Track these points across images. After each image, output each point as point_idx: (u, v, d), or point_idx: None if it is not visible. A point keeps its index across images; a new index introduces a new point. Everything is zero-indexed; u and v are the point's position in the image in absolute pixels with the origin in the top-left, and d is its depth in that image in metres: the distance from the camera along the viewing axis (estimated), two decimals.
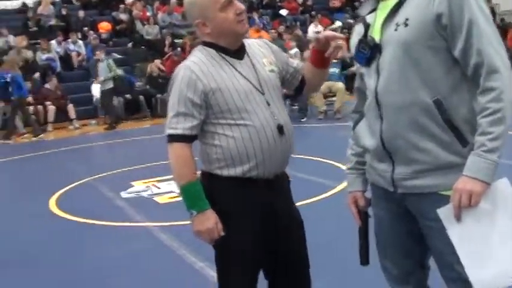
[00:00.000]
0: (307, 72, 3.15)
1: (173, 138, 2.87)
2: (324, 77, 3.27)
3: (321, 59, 3.05)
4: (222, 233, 2.87)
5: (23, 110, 15.17)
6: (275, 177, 2.97)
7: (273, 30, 19.81)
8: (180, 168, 2.88)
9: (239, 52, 2.97)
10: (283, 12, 23.16)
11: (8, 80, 14.93)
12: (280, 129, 2.91)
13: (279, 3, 23.94)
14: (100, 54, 16.42)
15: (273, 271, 3.09)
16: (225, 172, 2.88)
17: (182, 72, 2.87)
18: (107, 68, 15.93)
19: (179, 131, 2.85)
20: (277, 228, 2.97)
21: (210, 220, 2.84)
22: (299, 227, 3.10)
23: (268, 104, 2.92)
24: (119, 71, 16.33)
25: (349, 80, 14.73)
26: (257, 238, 2.94)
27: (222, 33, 2.90)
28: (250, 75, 2.93)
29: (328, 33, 3.01)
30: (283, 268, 3.06)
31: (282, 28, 20.15)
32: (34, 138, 14.96)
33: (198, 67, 2.86)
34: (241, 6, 2.91)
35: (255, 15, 21.56)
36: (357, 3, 24.11)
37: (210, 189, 2.88)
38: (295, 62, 3.22)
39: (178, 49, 18.90)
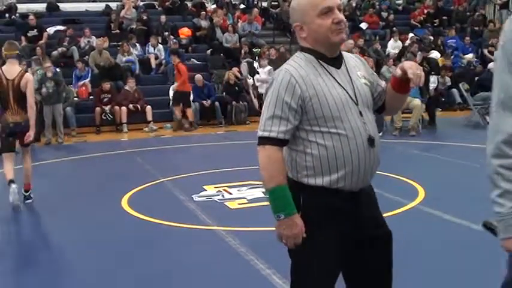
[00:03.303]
0: (388, 95, 3.14)
1: (266, 140, 2.86)
2: (404, 101, 3.27)
3: (402, 85, 3.04)
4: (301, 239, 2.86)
5: None
6: (360, 190, 2.95)
7: (350, 41, 19.67)
8: (271, 171, 2.85)
9: (336, 60, 2.98)
10: (363, 25, 23.01)
11: None
12: (370, 141, 2.90)
13: (360, 17, 23.80)
14: (34, 67, 15.96)
15: (355, 281, 3.09)
16: (312, 181, 2.88)
17: (281, 75, 2.88)
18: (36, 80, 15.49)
19: (273, 134, 2.84)
20: (362, 239, 2.95)
21: (297, 226, 2.84)
22: (387, 238, 3.07)
23: (361, 115, 2.92)
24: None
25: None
26: (337, 248, 2.91)
27: (317, 40, 2.92)
28: (347, 85, 2.93)
29: (408, 64, 2.97)
30: (366, 279, 3.06)
31: (361, 42, 20.02)
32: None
33: (297, 72, 2.87)
34: (340, 16, 2.90)
35: None
36: (436, 20, 23.86)
37: (294, 197, 2.86)
38: (383, 83, 3.21)
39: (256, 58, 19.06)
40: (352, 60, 3.09)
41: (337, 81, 2.91)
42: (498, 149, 2.26)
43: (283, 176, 2.87)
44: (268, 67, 17.31)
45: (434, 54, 19.79)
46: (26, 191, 8.24)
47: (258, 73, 18.14)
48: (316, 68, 2.91)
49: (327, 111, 2.84)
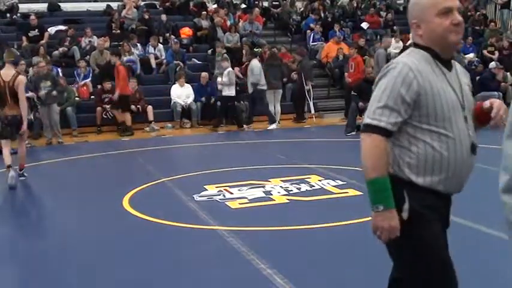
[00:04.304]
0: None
1: (374, 129, 2.83)
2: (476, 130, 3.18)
3: (483, 119, 3.03)
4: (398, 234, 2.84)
5: None
6: (451, 195, 2.99)
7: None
8: (376, 160, 2.82)
9: (449, 63, 2.97)
10: (364, 25, 22.99)
11: None
12: (473, 148, 2.91)
13: (361, 16, 23.79)
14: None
15: None
16: (414, 178, 2.87)
17: (400, 67, 2.85)
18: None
19: (382, 124, 2.82)
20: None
21: (395, 219, 2.82)
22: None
23: (466, 120, 2.91)
24: None
25: None
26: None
27: (433, 39, 2.90)
28: (457, 88, 2.93)
29: (497, 104, 2.96)
30: None
31: (362, 41, 20.02)
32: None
33: (415, 66, 2.85)
34: (459, 18, 2.89)
35: (336, 28, 21.53)
36: None
37: (394, 192, 2.84)
38: None
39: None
40: (459, 67, 3.08)
41: (449, 83, 2.91)
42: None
43: (386, 168, 2.84)
44: (229, 69, 16.58)
45: None
46: (20, 170, 10.01)
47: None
48: (431, 66, 2.90)
49: (439, 110, 2.83)
